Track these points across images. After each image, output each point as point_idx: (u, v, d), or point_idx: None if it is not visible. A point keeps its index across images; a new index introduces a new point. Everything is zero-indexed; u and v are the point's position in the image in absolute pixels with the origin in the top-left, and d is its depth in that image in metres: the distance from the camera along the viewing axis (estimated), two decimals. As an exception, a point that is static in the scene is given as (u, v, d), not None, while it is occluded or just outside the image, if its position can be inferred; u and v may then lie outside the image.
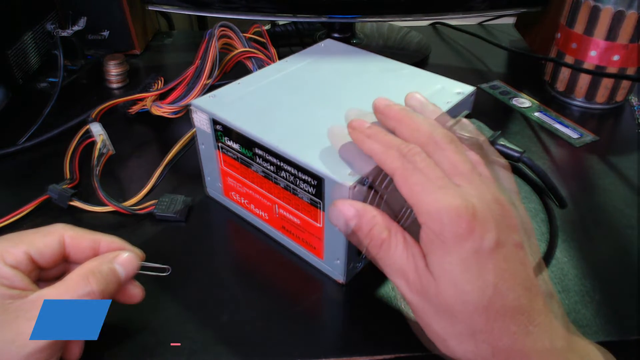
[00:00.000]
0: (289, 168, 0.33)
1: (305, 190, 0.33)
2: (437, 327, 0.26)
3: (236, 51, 0.51)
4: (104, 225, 0.41)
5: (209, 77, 0.49)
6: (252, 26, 0.55)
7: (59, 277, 0.29)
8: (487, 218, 0.25)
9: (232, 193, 0.41)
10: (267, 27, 0.77)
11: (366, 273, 0.37)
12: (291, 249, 0.38)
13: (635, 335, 0.33)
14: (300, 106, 0.38)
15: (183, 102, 0.49)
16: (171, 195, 0.43)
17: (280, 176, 0.35)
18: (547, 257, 0.39)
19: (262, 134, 0.34)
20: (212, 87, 0.48)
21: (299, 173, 0.33)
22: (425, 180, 0.26)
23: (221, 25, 0.50)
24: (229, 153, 0.38)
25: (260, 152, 0.35)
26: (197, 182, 0.45)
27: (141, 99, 0.54)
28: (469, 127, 0.33)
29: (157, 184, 0.46)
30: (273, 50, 0.53)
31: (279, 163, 0.34)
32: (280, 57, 0.48)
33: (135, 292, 0.31)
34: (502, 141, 0.38)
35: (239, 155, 0.37)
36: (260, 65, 0.51)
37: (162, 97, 0.52)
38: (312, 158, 0.32)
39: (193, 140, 0.51)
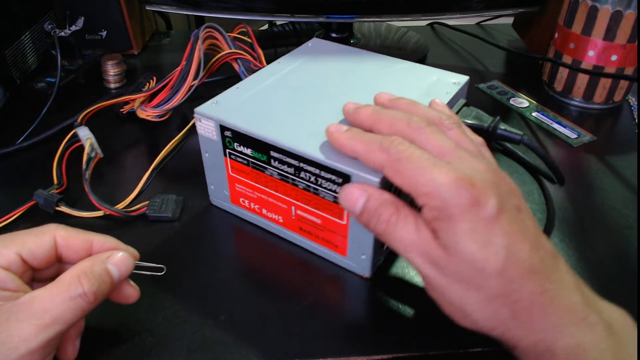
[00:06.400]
0: (310, 168, 0.33)
1: (328, 189, 0.33)
2: (455, 298, 0.27)
3: (223, 53, 0.50)
4: (95, 229, 0.40)
5: (194, 79, 0.48)
6: (237, 26, 0.55)
7: (53, 277, 0.29)
8: (485, 186, 0.26)
9: (241, 199, 0.40)
10: (265, 27, 0.77)
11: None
12: (309, 249, 0.38)
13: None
14: (305, 106, 0.38)
15: (167, 106, 0.49)
16: (163, 195, 0.43)
17: (300, 177, 0.34)
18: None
19: (279, 136, 0.34)
20: (197, 89, 0.48)
21: (322, 172, 0.33)
22: (415, 164, 0.27)
23: (207, 27, 0.50)
24: (238, 159, 0.37)
25: (277, 155, 0.35)
26: (189, 181, 0.45)
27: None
28: (441, 108, 0.34)
29: (148, 185, 0.45)
30: (260, 51, 0.53)
31: (298, 164, 0.34)
32: (280, 57, 0.47)
33: (131, 292, 0.31)
34: (502, 126, 0.39)
35: (251, 160, 0.36)
36: (247, 66, 0.51)
37: (152, 96, 0.52)
38: (335, 156, 0.32)
39: (184, 140, 0.51)
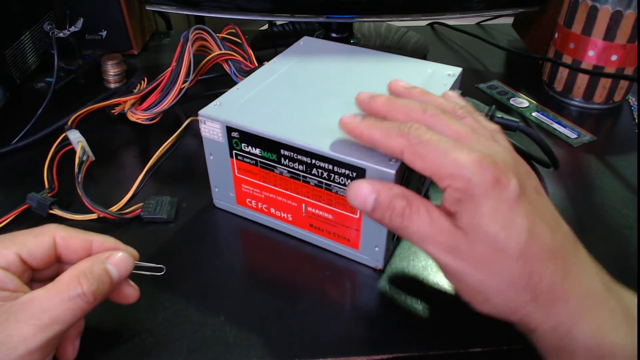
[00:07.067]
0: (322, 164, 0.33)
1: (341, 184, 0.34)
2: (474, 283, 0.26)
3: (213, 54, 0.50)
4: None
5: (185, 81, 0.48)
6: (225, 27, 0.55)
7: (53, 277, 0.29)
8: (506, 166, 0.26)
9: (248, 200, 0.40)
10: (265, 27, 0.77)
11: (364, 274, 0.37)
12: (319, 245, 0.38)
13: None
14: (309, 103, 0.38)
15: (157, 109, 0.49)
16: (157, 197, 0.42)
17: (312, 174, 0.34)
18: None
19: (289, 135, 0.34)
20: (187, 91, 0.48)
21: (335, 168, 0.33)
22: (435, 147, 0.27)
23: (196, 28, 0.50)
24: (246, 159, 0.37)
25: (287, 153, 0.35)
26: (183, 182, 0.45)
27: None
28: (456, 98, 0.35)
29: (142, 187, 0.45)
30: (250, 51, 0.53)
31: (310, 161, 0.34)
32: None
33: (131, 292, 0.31)
34: (499, 114, 0.40)
35: (260, 160, 0.36)
36: (238, 67, 0.51)
37: (143, 98, 0.52)
38: (348, 151, 0.32)
39: (178, 141, 0.51)
